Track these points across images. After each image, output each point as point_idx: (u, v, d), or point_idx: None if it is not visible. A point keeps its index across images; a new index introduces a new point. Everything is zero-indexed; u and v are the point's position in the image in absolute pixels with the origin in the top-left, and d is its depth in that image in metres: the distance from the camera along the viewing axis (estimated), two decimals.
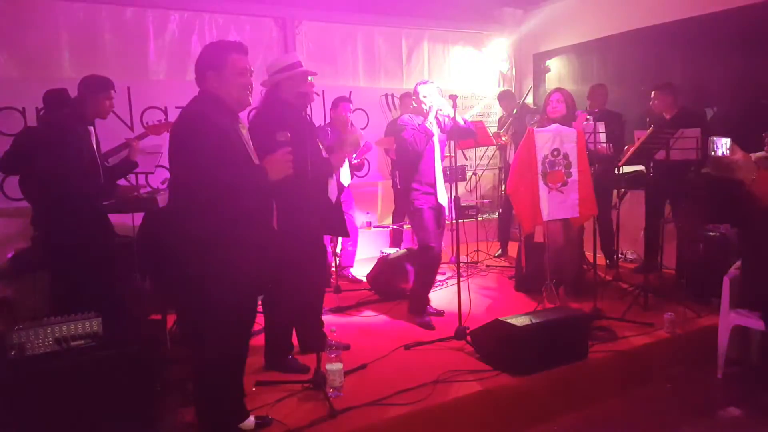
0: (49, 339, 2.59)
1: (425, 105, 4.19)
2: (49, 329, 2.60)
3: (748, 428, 3.30)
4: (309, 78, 3.50)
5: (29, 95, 4.90)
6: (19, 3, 4.99)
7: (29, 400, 2.43)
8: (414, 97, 4.36)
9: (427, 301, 4.48)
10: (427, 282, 4.46)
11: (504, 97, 6.79)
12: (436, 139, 4.24)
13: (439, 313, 4.45)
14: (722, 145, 2.24)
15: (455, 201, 4.16)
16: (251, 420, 2.78)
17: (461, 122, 4.24)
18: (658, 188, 5.11)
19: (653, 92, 5.20)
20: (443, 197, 4.31)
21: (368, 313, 4.70)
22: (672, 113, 5.11)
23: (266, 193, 2.64)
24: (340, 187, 4.14)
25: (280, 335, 3.53)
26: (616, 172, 4.77)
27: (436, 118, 4.22)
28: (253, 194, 2.51)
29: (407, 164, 4.29)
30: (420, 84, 4.30)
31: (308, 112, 3.37)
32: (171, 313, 3.74)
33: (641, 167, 5.22)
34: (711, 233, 4.59)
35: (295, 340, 3.72)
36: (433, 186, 4.26)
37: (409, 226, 5.28)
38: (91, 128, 3.76)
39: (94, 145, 3.76)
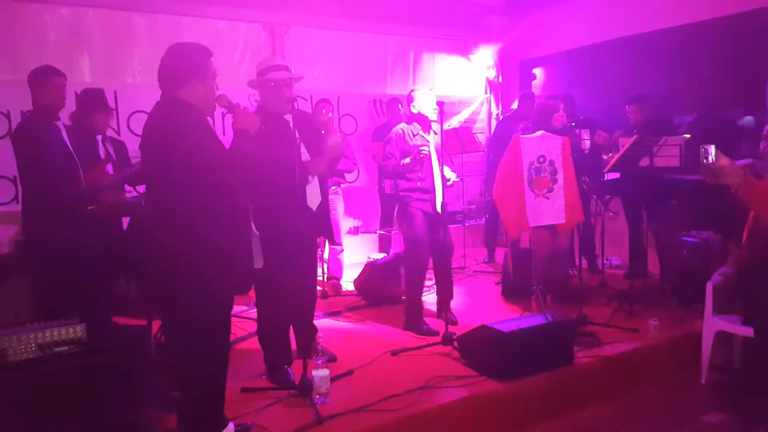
0: (31, 345, 2.56)
1: (414, 111, 4.25)
2: (31, 335, 2.56)
3: None
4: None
5: (14, 98, 4.85)
6: (5, 6, 4.95)
7: (10, 407, 2.40)
8: (407, 104, 4.39)
9: (421, 312, 4.40)
10: (415, 291, 4.41)
11: (526, 97, 6.53)
12: (432, 147, 4.24)
13: (453, 321, 4.30)
14: (710, 153, 2.29)
15: (442, 207, 4.19)
16: (230, 428, 2.76)
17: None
18: (632, 195, 5.17)
19: (626, 106, 5.39)
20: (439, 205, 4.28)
21: (355, 318, 4.69)
22: (642, 122, 5.26)
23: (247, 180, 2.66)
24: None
25: (270, 342, 3.49)
26: (601, 178, 4.81)
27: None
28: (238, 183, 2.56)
29: (394, 172, 4.31)
30: (412, 90, 4.35)
31: (291, 118, 3.34)
32: (156, 319, 3.71)
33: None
34: (694, 239, 4.64)
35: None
36: (428, 192, 4.24)
37: (397, 231, 5.29)
38: (59, 123, 3.69)
39: (67, 141, 3.69)
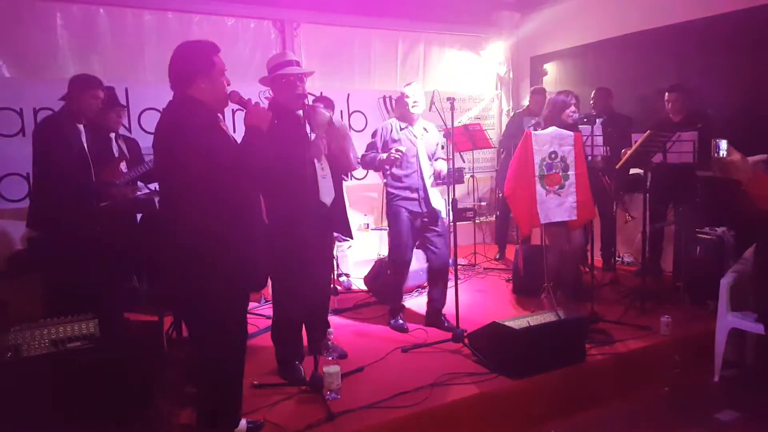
0: (45, 340, 2.58)
1: (409, 107, 4.18)
2: (45, 331, 2.59)
3: (745, 431, 3.30)
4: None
5: (26, 96, 4.90)
6: (18, 4, 4.98)
7: (25, 401, 2.42)
8: (399, 98, 4.34)
9: (401, 306, 4.43)
10: (397, 292, 4.40)
11: (538, 92, 6.44)
12: (420, 143, 4.21)
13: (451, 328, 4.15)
14: (722, 147, 2.28)
15: (453, 203, 4.17)
16: (243, 424, 2.77)
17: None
18: (661, 192, 5.08)
19: (666, 94, 5.13)
20: (438, 203, 4.21)
21: (365, 315, 4.69)
22: (681, 116, 5.04)
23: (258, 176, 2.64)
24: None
25: (283, 338, 3.49)
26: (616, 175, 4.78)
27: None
28: (250, 176, 2.55)
29: (371, 164, 4.26)
30: (405, 86, 4.27)
31: (303, 113, 3.34)
32: (167, 315, 3.74)
33: (639, 171, 5.23)
34: (707, 236, 4.59)
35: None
36: (415, 191, 4.18)
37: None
38: (81, 126, 3.76)
39: (85, 144, 3.76)
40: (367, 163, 4.25)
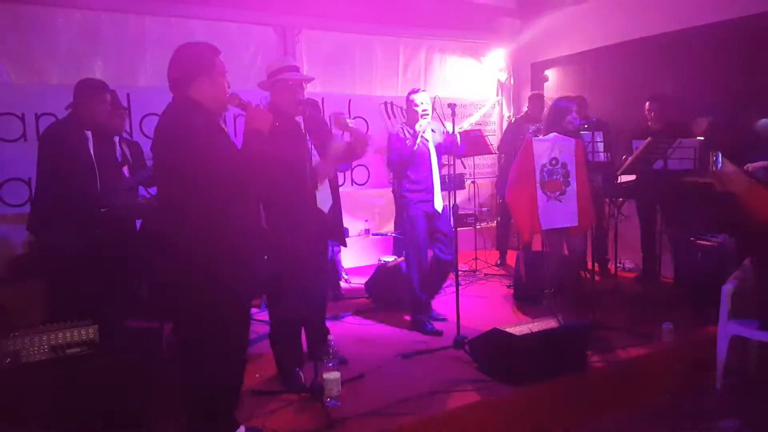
0: (44, 346, 2.58)
1: (419, 115, 4.30)
2: (44, 336, 2.58)
3: None
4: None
5: (29, 101, 4.91)
6: (20, 9, 4.99)
7: (24, 408, 2.42)
8: (407, 106, 4.43)
9: (426, 311, 4.47)
10: (418, 290, 4.44)
11: (535, 98, 6.46)
12: (431, 145, 4.33)
13: (442, 319, 4.45)
14: (718, 159, 2.29)
15: (454, 209, 4.18)
16: (242, 430, 2.76)
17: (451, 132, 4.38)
18: (647, 198, 5.10)
19: (647, 103, 5.26)
20: (439, 204, 4.36)
21: (365, 321, 4.68)
22: (660, 125, 5.15)
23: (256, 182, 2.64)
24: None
25: (282, 344, 3.48)
26: (615, 181, 4.77)
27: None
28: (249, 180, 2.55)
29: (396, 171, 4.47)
30: (412, 92, 4.39)
31: (301, 119, 3.34)
32: (168, 321, 3.73)
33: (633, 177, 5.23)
34: (708, 243, 4.58)
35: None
36: (429, 191, 4.32)
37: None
38: (89, 133, 3.76)
39: (92, 151, 3.76)
40: (396, 161, 4.39)
